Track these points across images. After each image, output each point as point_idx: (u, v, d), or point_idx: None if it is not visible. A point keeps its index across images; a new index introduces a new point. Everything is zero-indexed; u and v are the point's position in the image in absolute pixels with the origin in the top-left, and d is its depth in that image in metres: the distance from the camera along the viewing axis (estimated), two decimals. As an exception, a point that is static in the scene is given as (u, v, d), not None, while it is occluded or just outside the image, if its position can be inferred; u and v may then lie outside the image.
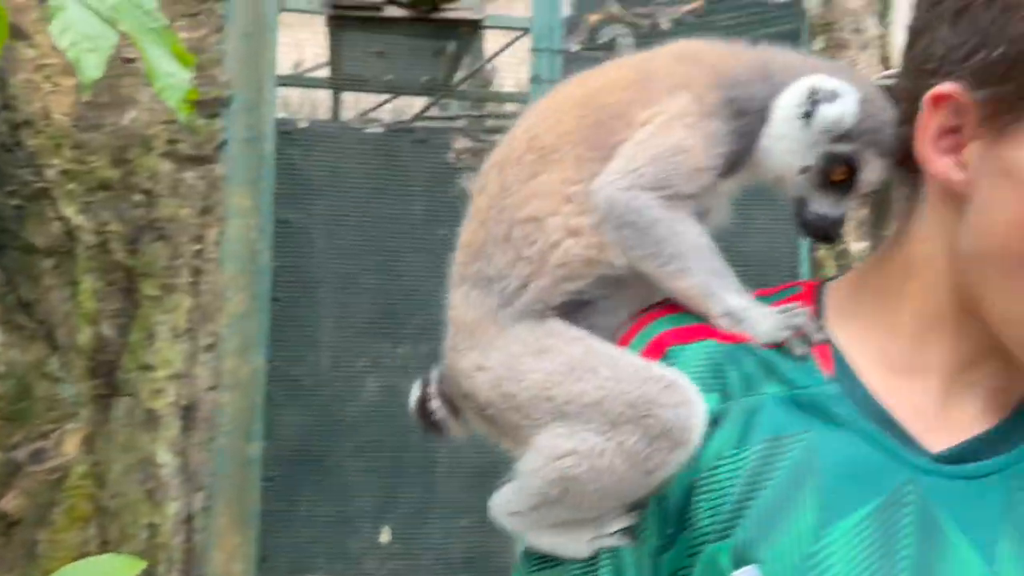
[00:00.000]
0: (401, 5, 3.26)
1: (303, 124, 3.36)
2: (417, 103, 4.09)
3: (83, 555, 2.97)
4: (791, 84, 0.85)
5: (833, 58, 2.30)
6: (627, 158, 0.84)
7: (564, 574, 0.81)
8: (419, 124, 3.84)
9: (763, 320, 0.81)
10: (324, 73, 4.10)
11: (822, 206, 0.86)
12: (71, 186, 3.03)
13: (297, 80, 4.16)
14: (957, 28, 0.76)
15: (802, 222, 0.88)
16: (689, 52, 0.91)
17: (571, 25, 3.47)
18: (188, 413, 3.05)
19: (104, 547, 2.97)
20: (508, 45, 3.69)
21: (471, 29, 3.35)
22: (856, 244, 2.33)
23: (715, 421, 0.78)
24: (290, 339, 3.20)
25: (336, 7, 3.26)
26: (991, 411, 0.81)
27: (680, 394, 0.78)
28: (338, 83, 3.91)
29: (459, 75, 3.93)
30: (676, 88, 0.86)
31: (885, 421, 0.78)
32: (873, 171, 0.85)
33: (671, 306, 0.85)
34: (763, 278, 0.91)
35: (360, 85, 3.93)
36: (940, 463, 0.77)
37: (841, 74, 0.86)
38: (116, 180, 3.07)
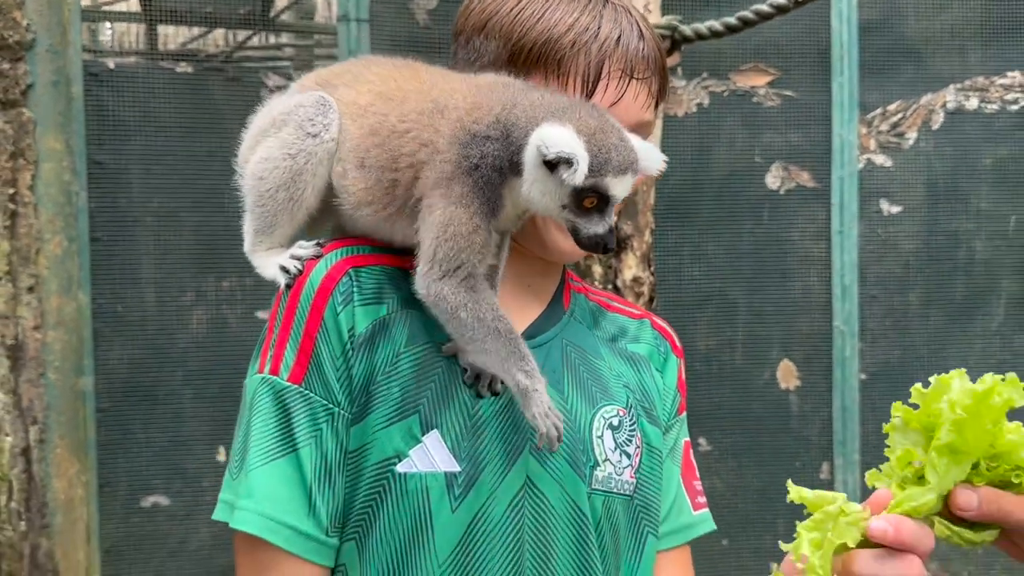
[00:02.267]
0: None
1: (111, 65, 3.41)
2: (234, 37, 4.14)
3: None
4: (528, 139, 1.02)
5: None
6: (425, 248, 1.06)
7: (284, 451, 1.06)
8: (240, 57, 3.92)
9: (537, 406, 1.02)
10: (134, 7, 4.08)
11: (590, 227, 1.04)
12: None
13: (106, 15, 4.13)
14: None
15: (580, 243, 1.06)
16: (442, 101, 1.09)
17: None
18: (16, 352, 3.17)
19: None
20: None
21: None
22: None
23: (385, 325, 1.09)
24: (113, 277, 3.32)
25: (138, -53, 3.29)
26: (539, 302, 1.22)
27: (322, 101, 1.13)
28: (152, 17, 3.93)
29: (276, 8, 4.01)
30: (429, 145, 1.07)
31: None
32: (619, 187, 1.03)
33: (355, 238, 1.14)
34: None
35: (175, 18, 3.96)
36: (525, 340, 1.13)
37: (568, 114, 1.03)
38: (-81, 126, 3.07)
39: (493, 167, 1.05)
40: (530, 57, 1.13)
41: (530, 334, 1.17)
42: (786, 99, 3.81)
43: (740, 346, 3.90)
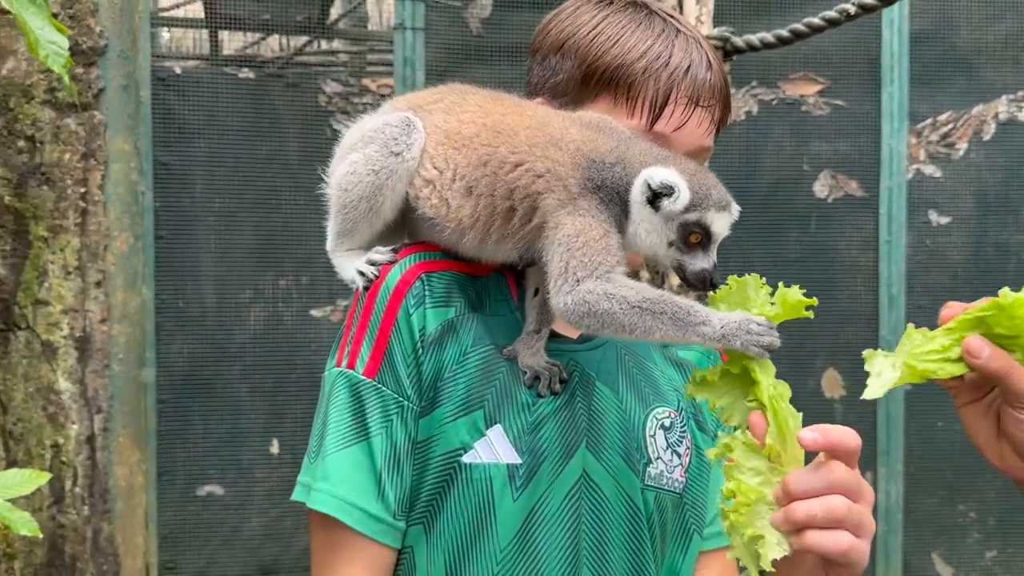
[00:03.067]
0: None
1: (178, 70, 3.54)
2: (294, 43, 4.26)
3: (-9, 476, 3.26)
4: (636, 179, 1.09)
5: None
6: (555, 265, 1.10)
7: (358, 438, 1.14)
8: (297, 62, 4.04)
9: (743, 335, 1.00)
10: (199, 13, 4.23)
11: (696, 263, 1.09)
12: (-46, 134, 3.19)
13: (173, 21, 4.28)
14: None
15: (686, 282, 1.10)
16: (556, 135, 1.15)
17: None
18: (83, 344, 3.32)
19: (11, 466, 3.26)
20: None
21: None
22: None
23: (453, 327, 1.16)
24: (175, 274, 3.45)
25: (205, -44, 3.42)
26: None
27: (408, 122, 1.20)
28: (215, 23, 4.06)
29: (333, 16, 4.13)
30: (547, 175, 1.13)
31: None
32: (720, 224, 1.09)
33: (423, 244, 1.22)
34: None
35: (237, 24, 4.10)
36: (579, 343, 1.24)
37: (671, 161, 1.11)
38: (0, 128, 3.23)
39: (614, 190, 1.11)
40: (603, 79, 1.20)
41: (585, 336, 1.24)
42: (835, 108, 3.83)
43: (785, 355, 3.92)
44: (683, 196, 1.07)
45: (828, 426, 0.95)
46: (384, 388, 1.13)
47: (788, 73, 3.79)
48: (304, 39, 4.23)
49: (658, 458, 1.22)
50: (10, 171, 3.25)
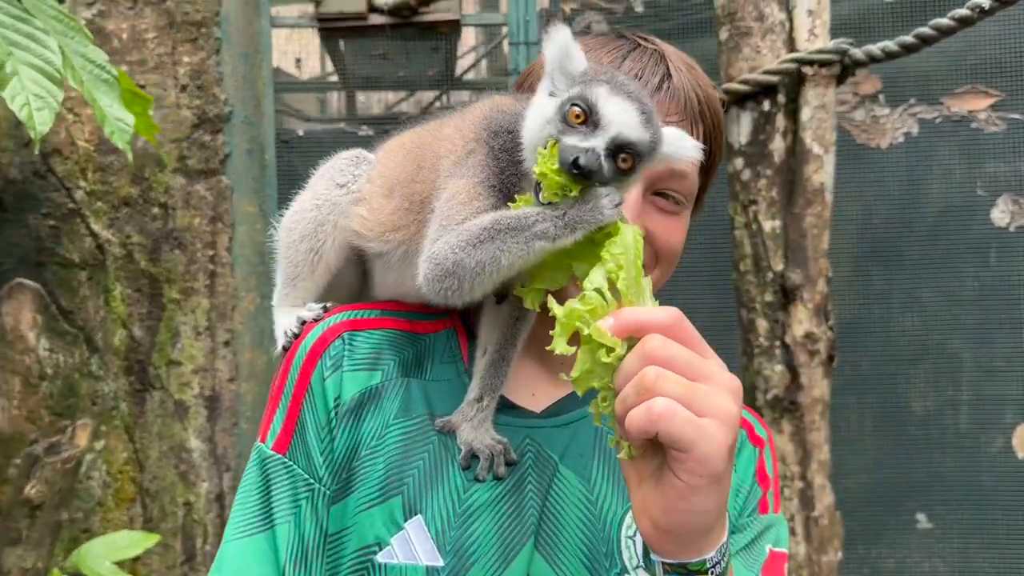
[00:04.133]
0: (382, 12, 3.47)
1: (300, 132, 3.61)
2: (416, 101, 4.28)
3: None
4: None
5: (738, 46, 2.37)
6: (427, 236, 0.98)
7: (262, 526, 1.00)
8: (419, 119, 4.04)
9: (593, 211, 0.89)
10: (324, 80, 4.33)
11: (569, 139, 0.91)
12: (98, 204, 3.39)
13: (294, 86, 4.42)
14: None
15: (561, 163, 0.91)
16: (477, 105, 1.08)
17: (548, 17, 3.59)
18: (212, 403, 3.39)
19: (147, 524, 3.36)
20: (499, 42, 3.84)
21: (451, 29, 3.52)
22: (769, 222, 2.41)
23: (377, 394, 0.99)
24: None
25: (322, 20, 3.49)
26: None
27: (358, 155, 1.12)
28: (349, 85, 4.15)
29: (454, 72, 4.10)
30: (452, 138, 1.04)
31: (500, 400, 1.02)
32: (610, 107, 0.91)
33: (355, 304, 1.09)
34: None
35: (371, 85, 4.17)
36: (542, 418, 1.03)
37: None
38: (136, 196, 3.41)
39: (510, 130, 0.98)
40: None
41: (554, 411, 1.03)
42: (1012, 123, 3.31)
43: (966, 408, 3.39)
44: (576, 59, 0.92)
45: (629, 308, 0.80)
46: (294, 466, 0.98)
47: (952, 87, 3.33)
48: (433, 93, 4.23)
49: (637, 566, 0.96)
50: (145, 237, 3.41)
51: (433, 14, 3.45)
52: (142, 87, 3.40)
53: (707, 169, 1.13)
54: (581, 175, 0.87)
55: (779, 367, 2.38)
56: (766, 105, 2.37)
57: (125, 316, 3.40)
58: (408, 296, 1.07)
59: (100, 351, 3.39)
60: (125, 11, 3.41)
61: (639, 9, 3.52)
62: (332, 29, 3.56)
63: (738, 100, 2.38)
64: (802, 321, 2.34)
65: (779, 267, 2.38)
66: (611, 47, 1.10)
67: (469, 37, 3.79)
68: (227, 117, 3.43)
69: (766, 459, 1.12)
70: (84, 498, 3.33)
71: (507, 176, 0.96)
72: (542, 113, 0.93)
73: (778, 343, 2.38)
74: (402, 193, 1.05)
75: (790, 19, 2.32)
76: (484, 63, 4.27)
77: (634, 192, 1.04)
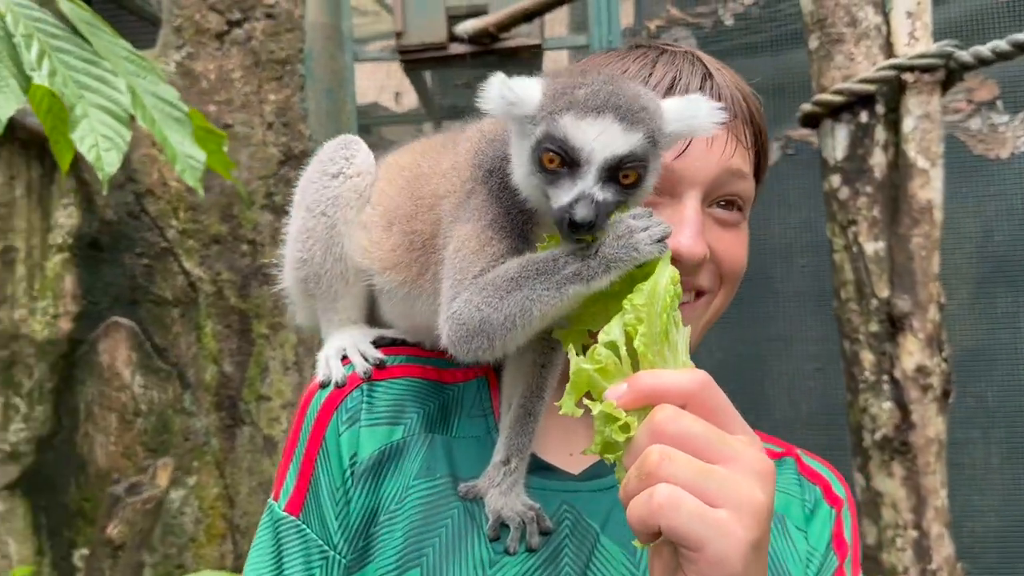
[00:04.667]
0: (463, 41, 3.42)
1: (383, 164, 3.59)
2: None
3: (222, 568, 3.38)
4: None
5: (829, 54, 2.18)
6: (443, 290, 0.89)
7: None
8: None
9: (623, 246, 0.79)
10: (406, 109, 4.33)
11: (557, 196, 0.82)
12: (189, 243, 3.45)
13: (379, 120, 4.42)
14: None
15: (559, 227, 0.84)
16: (468, 133, 0.98)
17: (632, 35, 3.47)
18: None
19: (238, 561, 3.36)
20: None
21: (533, 54, 3.44)
22: (871, 244, 2.20)
23: (398, 452, 0.89)
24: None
25: (403, 51, 3.47)
26: None
27: (346, 139, 1.02)
28: (435, 116, 4.13)
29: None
30: (449, 175, 0.94)
31: (533, 460, 0.90)
32: (582, 133, 0.80)
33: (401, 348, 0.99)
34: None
35: (456, 114, 4.13)
36: (580, 480, 0.91)
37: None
38: (226, 234, 3.45)
39: (502, 158, 0.88)
40: None
41: (594, 473, 0.91)
42: None
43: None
44: (526, 98, 0.79)
45: (646, 373, 0.68)
46: (308, 530, 0.89)
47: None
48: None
49: None
50: (235, 273, 3.44)
51: (514, 40, 3.38)
52: (229, 126, 3.45)
53: (758, 175, 1.02)
54: (586, 230, 0.76)
55: (887, 404, 2.16)
56: (863, 116, 2.18)
57: (216, 352, 3.43)
58: (416, 332, 0.96)
59: (192, 387, 3.43)
60: (213, 52, 3.47)
61: (729, 22, 3.35)
62: (414, 60, 3.53)
63: (832, 112, 2.20)
64: (912, 353, 2.12)
65: (884, 293, 2.17)
66: (636, 55, 0.99)
67: (560, 59, 3.70)
68: (312, 153, 3.43)
69: (844, 522, 0.97)
70: (177, 534, 3.36)
71: (515, 214, 0.85)
72: (521, 163, 0.83)
73: (886, 377, 2.16)
74: (401, 230, 0.96)
75: (887, 23, 2.13)
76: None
77: (692, 208, 0.92)
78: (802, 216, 3.24)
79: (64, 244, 3.36)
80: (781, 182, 3.37)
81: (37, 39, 2.00)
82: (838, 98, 2.16)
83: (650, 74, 0.95)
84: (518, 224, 0.84)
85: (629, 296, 0.71)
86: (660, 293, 0.70)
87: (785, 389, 3.35)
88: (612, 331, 0.70)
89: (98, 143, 1.99)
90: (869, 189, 2.20)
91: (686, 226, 0.90)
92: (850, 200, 2.22)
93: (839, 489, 0.99)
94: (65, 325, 3.34)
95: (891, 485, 2.15)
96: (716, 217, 0.96)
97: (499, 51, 3.43)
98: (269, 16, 3.45)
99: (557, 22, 4.04)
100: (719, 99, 0.95)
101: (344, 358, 0.97)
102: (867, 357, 2.20)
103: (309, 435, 0.93)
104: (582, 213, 0.75)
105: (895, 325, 2.16)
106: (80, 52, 2.02)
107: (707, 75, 0.96)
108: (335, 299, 1.01)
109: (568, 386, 0.70)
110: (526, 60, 3.55)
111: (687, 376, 0.68)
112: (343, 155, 1.01)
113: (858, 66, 2.14)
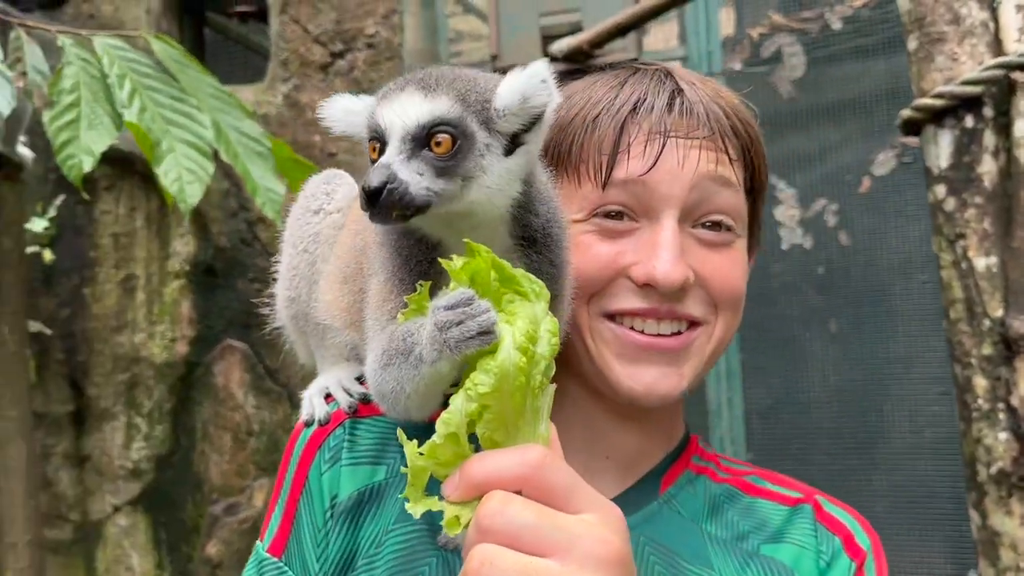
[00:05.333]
0: (557, 59, 3.38)
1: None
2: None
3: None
4: None
5: (929, 55, 2.01)
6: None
7: None
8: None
9: (438, 334, 0.76)
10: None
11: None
12: (298, 268, 3.56)
13: None
14: None
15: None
16: None
17: (733, 44, 3.34)
18: (403, 460, 3.41)
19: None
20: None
21: (630, 68, 3.37)
22: (982, 259, 2.00)
23: (379, 493, 0.86)
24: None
25: (499, 72, 3.47)
26: (618, 478, 0.92)
27: (332, 174, 1.02)
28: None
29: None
30: (371, 232, 0.92)
31: None
32: (387, 113, 0.80)
33: None
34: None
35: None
36: None
37: None
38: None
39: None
40: (552, 157, 0.95)
41: None
42: None
43: None
44: (354, 115, 0.80)
45: (476, 459, 0.63)
46: (288, 573, 0.87)
47: None
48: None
49: None
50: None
51: (608, 55, 3.32)
52: (333, 155, 3.55)
53: (752, 190, 0.96)
54: (387, 207, 0.72)
55: (1003, 435, 1.95)
56: (969, 121, 1.99)
57: (322, 374, 3.52)
58: None
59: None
60: (318, 83, 3.58)
61: (836, 26, 3.18)
62: (510, 81, 3.53)
63: (934, 117, 2.02)
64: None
65: (998, 313, 1.97)
66: (606, 78, 0.98)
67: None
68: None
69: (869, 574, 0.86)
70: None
71: (414, 263, 0.81)
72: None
73: (1001, 405, 1.95)
74: (350, 288, 0.93)
75: (994, 18, 1.94)
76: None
77: (668, 228, 0.88)
78: (921, 228, 3.02)
79: (181, 271, 3.53)
80: (898, 193, 3.16)
81: (130, 78, 2.11)
82: (939, 102, 1.99)
83: (616, 96, 0.92)
84: (424, 266, 0.80)
85: (473, 378, 0.66)
86: (510, 370, 0.65)
87: (907, 415, 3.12)
88: (451, 419, 0.66)
89: (181, 176, 2.08)
90: (978, 199, 2.01)
91: (662, 249, 0.85)
92: (957, 212, 2.04)
93: (863, 540, 0.89)
94: (182, 348, 3.50)
95: (1010, 524, 1.94)
96: (700, 238, 0.91)
97: (593, 68, 3.38)
98: (370, 46, 3.53)
99: (662, 34, 3.95)
100: (690, 114, 0.91)
101: (328, 396, 0.95)
102: (980, 383, 2.00)
103: (293, 475, 0.91)
104: (369, 180, 0.72)
105: (1010, 348, 1.96)
106: (168, 89, 2.12)
107: (676, 91, 0.93)
108: (323, 336, 0.99)
109: (408, 480, 0.67)
110: (624, 76, 3.48)
111: (516, 459, 0.63)
112: (324, 190, 0.99)
113: (962, 67, 1.96)
